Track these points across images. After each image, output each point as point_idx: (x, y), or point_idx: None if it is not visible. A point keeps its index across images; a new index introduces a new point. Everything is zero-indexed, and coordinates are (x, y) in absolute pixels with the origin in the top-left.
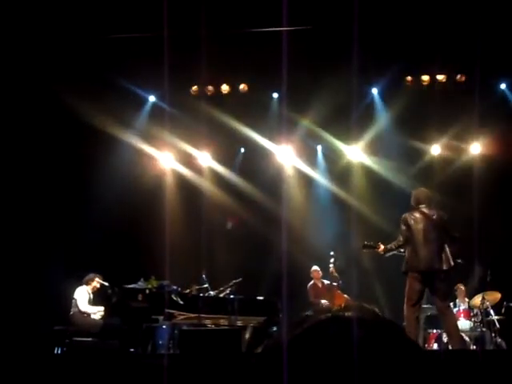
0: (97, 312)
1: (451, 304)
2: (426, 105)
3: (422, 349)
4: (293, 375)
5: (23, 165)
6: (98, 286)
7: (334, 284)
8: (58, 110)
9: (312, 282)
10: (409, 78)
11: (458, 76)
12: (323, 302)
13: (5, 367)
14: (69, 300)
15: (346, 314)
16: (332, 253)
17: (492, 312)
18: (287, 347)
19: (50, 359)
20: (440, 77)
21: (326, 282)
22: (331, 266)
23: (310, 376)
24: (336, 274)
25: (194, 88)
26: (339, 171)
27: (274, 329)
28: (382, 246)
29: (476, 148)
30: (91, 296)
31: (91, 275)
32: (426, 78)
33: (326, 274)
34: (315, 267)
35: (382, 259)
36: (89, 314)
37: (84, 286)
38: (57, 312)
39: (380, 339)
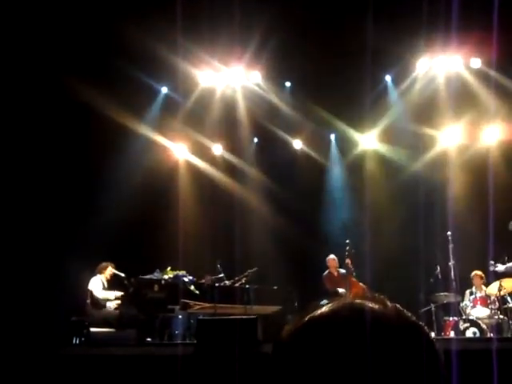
0: (114, 297)
1: (467, 291)
2: (440, 91)
3: (442, 357)
4: (305, 362)
5: (38, 156)
6: (112, 273)
7: (349, 271)
8: (72, 103)
9: (328, 271)
10: (422, 64)
11: (473, 60)
12: (341, 290)
13: (23, 359)
14: (86, 291)
15: (366, 304)
16: (348, 241)
17: (509, 299)
18: (299, 335)
19: (67, 350)
20: (454, 62)
21: (342, 270)
22: (347, 254)
23: (321, 363)
24: (350, 264)
25: (207, 79)
26: (353, 159)
27: (290, 317)
28: None
29: (492, 134)
30: (105, 284)
31: (104, 264)
32: (440, 63)
33: (341, 262)
34: (332, 256)
35: (395, 249)
36: (104, 304)
37: (98, 276)
38: (74, 303)
39: (402, 342)
